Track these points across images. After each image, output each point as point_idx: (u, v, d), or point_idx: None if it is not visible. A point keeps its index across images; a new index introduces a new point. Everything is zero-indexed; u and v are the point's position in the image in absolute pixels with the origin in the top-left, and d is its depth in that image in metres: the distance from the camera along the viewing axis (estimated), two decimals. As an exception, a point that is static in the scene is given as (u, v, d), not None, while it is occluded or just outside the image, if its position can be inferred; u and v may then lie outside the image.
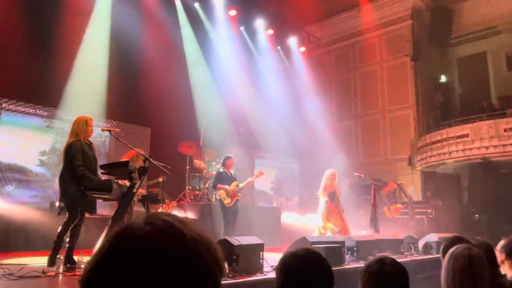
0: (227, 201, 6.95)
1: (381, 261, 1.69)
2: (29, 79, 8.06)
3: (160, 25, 10.53)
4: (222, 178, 7.15)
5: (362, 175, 9.44)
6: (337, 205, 7.57)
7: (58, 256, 4.32)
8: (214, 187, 7.23)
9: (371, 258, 1.75)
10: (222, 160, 7.46)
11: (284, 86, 14.59)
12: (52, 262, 4.27)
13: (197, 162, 9.00)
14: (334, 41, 16.22)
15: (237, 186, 7.08)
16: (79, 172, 4.44)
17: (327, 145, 14.72)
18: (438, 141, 12.35)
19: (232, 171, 7.30)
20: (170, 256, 0.58)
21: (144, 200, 6.59)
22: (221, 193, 7.01)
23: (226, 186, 7.02)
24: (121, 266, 0.57)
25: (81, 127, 4.67)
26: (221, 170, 7.35)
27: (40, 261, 4.95)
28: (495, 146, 11.28)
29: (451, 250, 1.92)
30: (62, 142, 8.63)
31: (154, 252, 0.58)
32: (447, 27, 13.93)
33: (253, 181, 7.49)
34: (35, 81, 8.19)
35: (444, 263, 1.91)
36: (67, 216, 4.45)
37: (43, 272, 4.07)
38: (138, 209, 6.77)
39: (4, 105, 7.88)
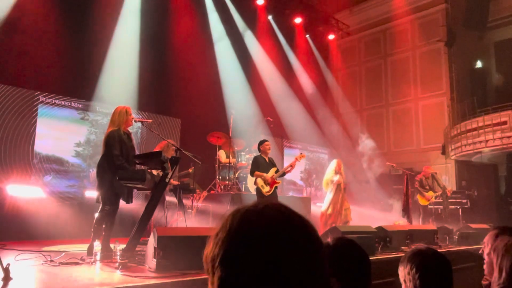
0: (265, 189, 6.51)
1: (424, 253, 1.64)
2: (63, 73, 8.29)
3: (189, 17, 10.61)
4: (259, 164, 6.68)
5: (394, 165, 9.28)
6: (339, 196, 7.66)
7: (95, 244, 4.45)
8: (252, 173, 6.72)
9: (413, 247, 1.70)
10: (257, 146, 7.04)
11: (312, 75, 14.46)
12: (91, 250, 4.41)
13: (221, 155, 8.81)
14: (364, 28, 15.86)
15: (276, 172, 6.66)
16: (116, 161, 4.52)
17: (356, 134, 14.52)
18: (474, 129, 11.90)
19: (270, 157, 6.90)
20: (278, 224, 0.73)
21: (175, 190, 6.69)
22: (259, 181, 6.57)
23: (264, 174, 6.59)
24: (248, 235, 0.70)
25: (122, 116, 4.75)
26: (258, 155, 6.90)
27: (77, 248, 5.14)
28: (535, 134, 10.80)
29: (503, 242, 1.81)
30: (96, 133, 8.88)
31: (264, 220, 0.72)
32: (483, 10, 13.31)
33: (294, 164, 6.83)
34: (70, 74, 8.42)
35: (498, 255, 1.80)
36: (103, 204, 4.57)
37: (82, 259, 4.22)
38: (170, 199, 6.87)
39: (41, 98, 8.15)
